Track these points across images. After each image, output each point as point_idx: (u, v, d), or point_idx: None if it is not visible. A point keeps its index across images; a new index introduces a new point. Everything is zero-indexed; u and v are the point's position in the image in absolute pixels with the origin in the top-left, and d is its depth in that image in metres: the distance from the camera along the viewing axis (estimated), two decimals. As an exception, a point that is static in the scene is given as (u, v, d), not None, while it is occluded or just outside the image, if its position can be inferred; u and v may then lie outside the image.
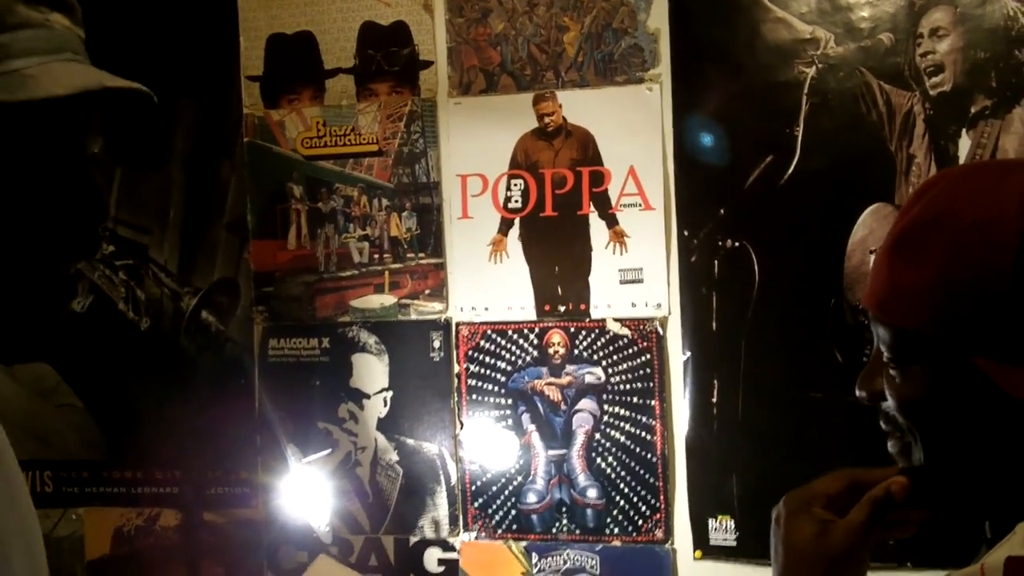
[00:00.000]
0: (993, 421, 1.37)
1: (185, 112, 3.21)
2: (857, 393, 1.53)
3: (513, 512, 3.04)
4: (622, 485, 2.96)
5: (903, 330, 1.40)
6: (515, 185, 3.01)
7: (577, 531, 3.00)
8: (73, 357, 3.32)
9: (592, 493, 2.98)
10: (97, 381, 3.33)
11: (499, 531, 3.05)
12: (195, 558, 3.24)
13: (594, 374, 2.97)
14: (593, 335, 2.97)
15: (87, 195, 1.39)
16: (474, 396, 3.06)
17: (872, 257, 2.73)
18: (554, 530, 3.01)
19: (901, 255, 1.40)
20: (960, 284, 1.33)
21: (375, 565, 3.14)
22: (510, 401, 3.04)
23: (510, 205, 3.02)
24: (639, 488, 2.95)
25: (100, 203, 1.43)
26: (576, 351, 2.98)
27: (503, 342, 3.04)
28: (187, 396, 3.24)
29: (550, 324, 3.00)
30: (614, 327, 2.95)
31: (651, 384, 2.93)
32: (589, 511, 2.99)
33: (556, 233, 2.99)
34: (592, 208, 2.96)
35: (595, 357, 2.97)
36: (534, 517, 3.02)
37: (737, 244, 2.85)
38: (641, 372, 2.94)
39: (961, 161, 2.67)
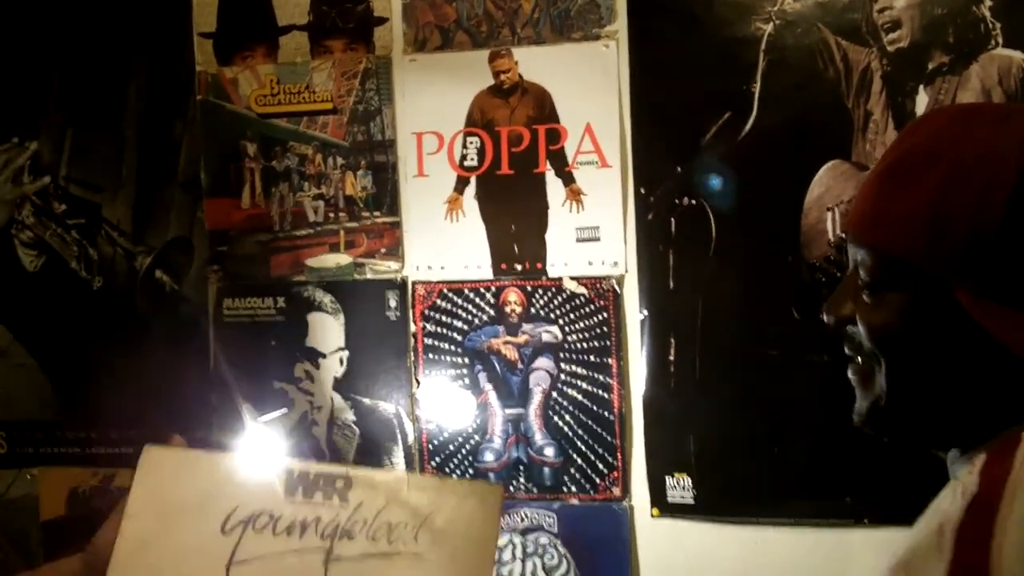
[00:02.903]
0: (963, 355, 1.40)
1: (137, 70, 3.18)
2: (824, 317, 1.56)
3: (471, 471, 3.03)
4: (579, 443, 2.96)
5: (886, 255, 1.44)
6: (471, 143, 2.99)
7: (535, 489, 3.00)
8: (26, 317, 3.31)
9: (549, 452, 2.98)
10: (50, 341, 3.31)
11: (456, 490, 3.04)
12: (151, 518, 3.22)
13: (551, 333, 2.97)
14: (550, 293, 2.96)
15: None
16: (431, 355, 3.05)
17: (829, 215, 2.72)
18: (511, 489, 3.01)
19: (893, 181, 1.43)
20: (951, 215, 1.36)
21: (332, 524, 3.13)
22: (467, 360, 3.03)
23: (466, 163, 3.00)
24: (596, 446, 2.95)
25: None
26: (533, 310, 2.97)
27: (459, 301, 3.02)
28: (142, 356, 3.22)
29: (507, 283, 2.99)
30: (571, 285, 2.94)
31: (608, 343, 2.93)
32: (546, 469, 2.99)
33: (512, 191, 2.98)
34: (548, 166, 2.95)
35: (552, 316, 2.96)
36: (491, 476, 3.02)
37: (694, 202, 2.84)
38: (598, 331, 2.94)
39: (918, 118, 2.67)
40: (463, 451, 3.04)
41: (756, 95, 2.78)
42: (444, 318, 3.03)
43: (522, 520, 3.00)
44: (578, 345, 2.95)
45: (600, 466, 2.95)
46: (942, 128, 1.45)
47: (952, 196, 1.36)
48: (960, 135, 1.41)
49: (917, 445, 1.51)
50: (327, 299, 3.11)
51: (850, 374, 1.55)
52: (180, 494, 1.69)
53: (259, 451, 2.92)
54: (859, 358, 1.52)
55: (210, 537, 1.60)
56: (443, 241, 3.03)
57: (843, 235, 1.49)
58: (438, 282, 3.04)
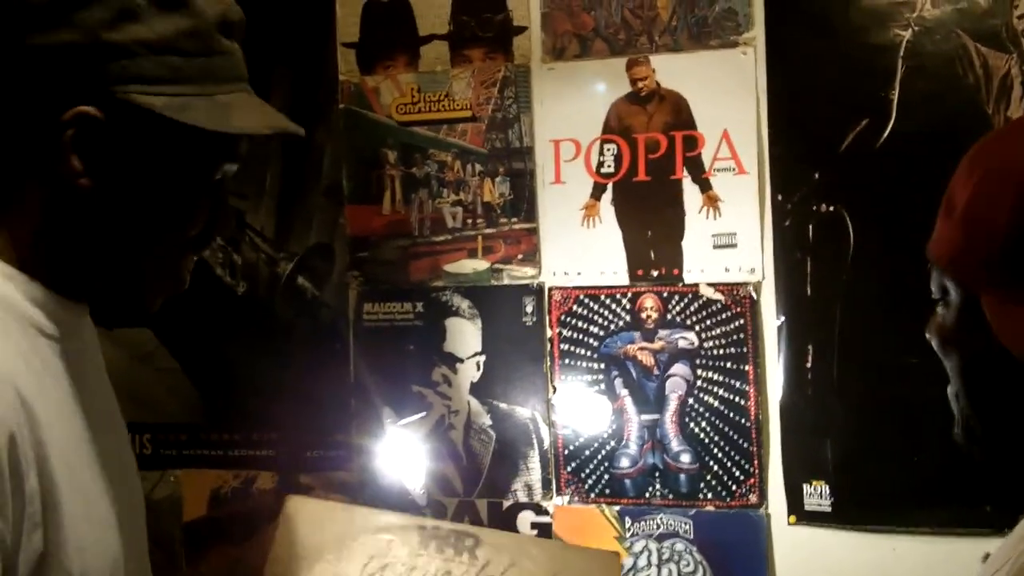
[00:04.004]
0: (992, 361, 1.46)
1: (281, 79, 3.24)
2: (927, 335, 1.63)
3: (606, 476, 3.05)
4: (715, 450, 2.96)
5: (938, 268, 1.52)
6: (608, 150, 3.02)
7: (670, 496, 3.00)
8: (171, 321, 3.37)
9: (685, 458, 2.99)
10: (195, 345, 3.37)
11: (592, 495, 3.06)
12: (291, 520, 3.27)
13: (687, 339, 2.98)
14: (686, 300, 2.97)
15: (220, 210, 1.62)
16: (567, 361, 3.07)
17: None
18: (647, 495, 3.02)
19: (944, 202, 1.53)
20: (971, 228, 1.44)
21: (468, 528, 3.15)
22: (603, 366, 3.05)
23: (603, 170, 3.02)
24: (733, 453, 2.95)
25: (228, 220, 1.60)
26: (669, 316, 2.99)
27: (596, 307, 3.04)
28: (283, 360, 3.28)
29: (643, 289, 3.01)
30: (707, 292, 2.95)
31: (745, 349, 2.93)
32: (682, 476, 2.99)
33: (649, 198, 3.00)
34: (685, 173, 2.96)
35: (688, 322, 2.97)
36: (627, 481, 3.03)
37: (832, 208, 2.84)
38: (735, 337, 2.94)
39: (1060, 124, 2.65)
40: (599, 456, 3.05)
41: (894, 102, 2.77)
42: (580, 324, 3.06)
43: (658, 526, 3.00)
44: (714, 351, 2.96)
45: (737, 473, 2.95)
46: (976, 147, 1.53)
47: (970, 210, 1.44)
48: (982, 152, 1.50)
49: (1003, 461, 1.54)
50: (464, 304, 3.15)
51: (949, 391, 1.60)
52: (319, 540, 1.76)
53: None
54: None
55: None
56: (579, 247, 3.05)
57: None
58: (574, 288, 3.06)
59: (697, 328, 2.97)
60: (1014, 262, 1.38)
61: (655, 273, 3.00)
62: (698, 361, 2.97)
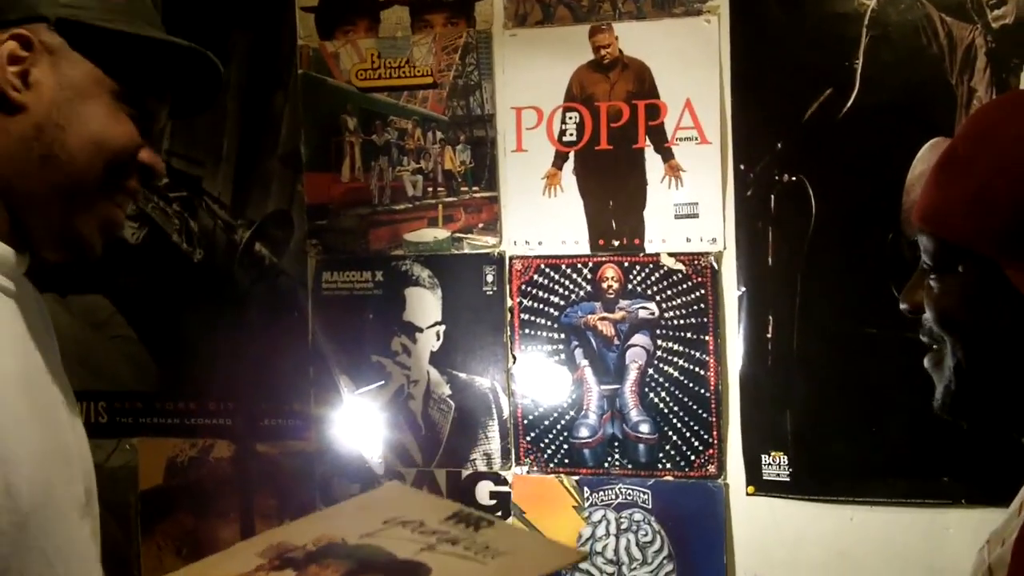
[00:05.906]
0: (1018, 330, 1.42)
1: (239, 44, 3.20)
2: (900, 305, 1.61)
3: (565, 446, 3.04)
4: (675, 420, 2.96)
5: (944, 240, 1.46)
6: (570, 118, 3.00)
7: (629, 466, 3.00)
8: (127, 289, 3.34)
9: (644, 428, 2.98)
10: (151, 313, 3.34)
11: (551, 465, 3.05)
12: (248, 489, 3.26)
13: (648, 309, 2.97)
14: (647, 270, 2.96)
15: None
16: (527, 331, 3.06)
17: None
18: (606, 464, 3.01)
19: (947, 169, 1.47)
20: (995, 196, 1.39)
21: (427, 498, 3.15)
22: (563, 336, 3.04)
23: (565, 138, 3.00)
24: (692, 423, 2.95)
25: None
26: (630, 286, 2.97)
27: (557, 276, 3.03)
28: (240, 328, 3.25)
29: (604, 259, 2.99)
30: (668, 262, 2.94)
31: (705, 319, 2.93)
32: (641, 446, 2.99)
33: (611, 167, 2.98)
34: (648, 142, 2.94)
35: (649, 292, 2.96)
36: (586, 451, 3.02)
37: (794, 178, 2.83)
38: (695, 307, 2.93)
39: (1023, 95, 2.65)
40: (558, 426, 3.04)
41: (858, 71, 2.76)
42: (541, 293, 3.04)
43: (616, 496, 3.00)
44: (675, 322, 2.95)
45: (696, 443, 2.94)
46: (989, 113, 1.52)
47: (995, 177, 1.39)
48: (1005, 118, 1.46)
49: (994, 429, 1.53)
50: (425, 273, 3.13)
51: (926, 363, 1.56)
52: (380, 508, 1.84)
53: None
54: (934, 346, 1.53)
55: (371, 523, 1.68)
56: (541, 216, 3.03)
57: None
58: (535, 257, 3.04)
59: (658, 298, 2.96)
60: None
61: (616, 243, 2.98)
62: (658, 331, 2.96)
